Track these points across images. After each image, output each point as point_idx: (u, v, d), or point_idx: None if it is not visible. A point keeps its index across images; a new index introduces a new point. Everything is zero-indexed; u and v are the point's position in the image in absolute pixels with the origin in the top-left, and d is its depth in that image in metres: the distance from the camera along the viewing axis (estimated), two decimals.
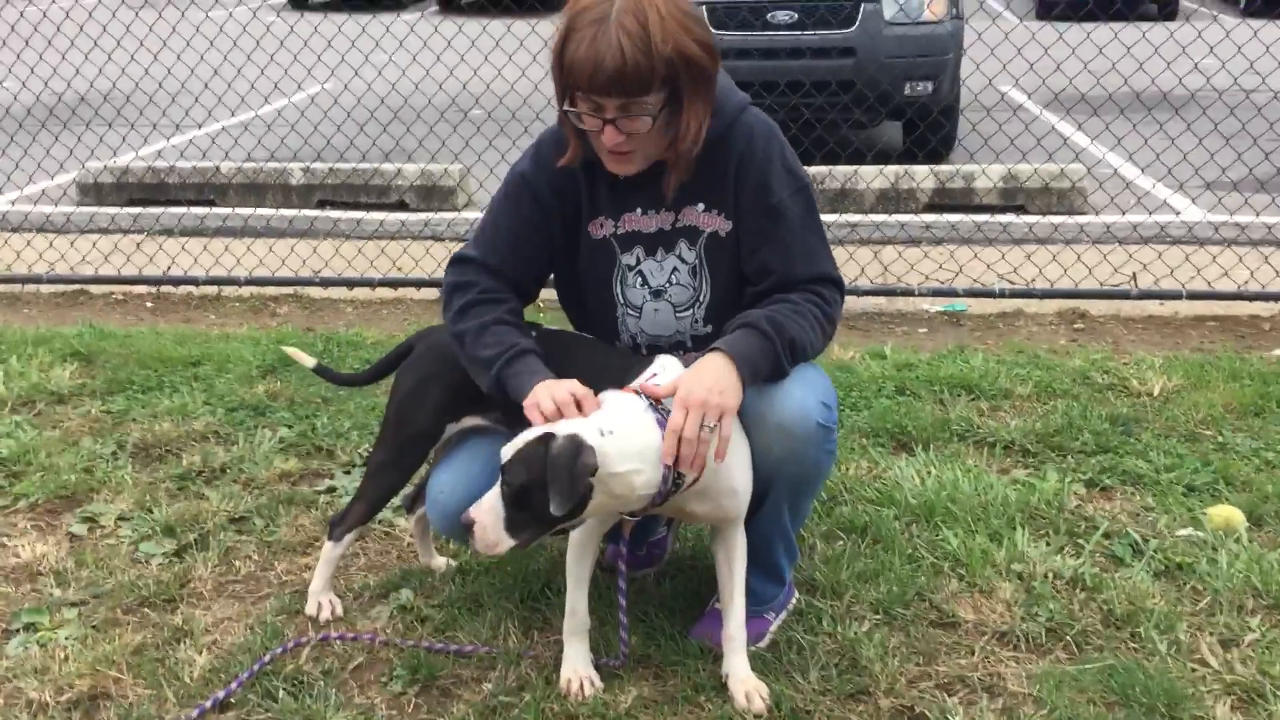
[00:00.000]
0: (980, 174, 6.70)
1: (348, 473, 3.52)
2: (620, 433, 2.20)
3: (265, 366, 4.37)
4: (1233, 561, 2.87)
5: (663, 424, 2.22)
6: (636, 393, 2.28)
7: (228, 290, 5.60)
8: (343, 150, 6.87)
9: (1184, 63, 6.13)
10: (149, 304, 5.50)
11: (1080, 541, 3.03)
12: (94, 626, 2.70)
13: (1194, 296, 5.06)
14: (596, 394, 2.31)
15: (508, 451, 2.22)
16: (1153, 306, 5.19)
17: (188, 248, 5.82)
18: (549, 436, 2.18)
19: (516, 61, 6.33)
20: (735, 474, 2.34)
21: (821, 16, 7.47)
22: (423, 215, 6.83)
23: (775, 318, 2.33)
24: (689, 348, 2.57)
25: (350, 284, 5.52)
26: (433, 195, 7.23)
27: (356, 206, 7.13)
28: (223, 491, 3.35)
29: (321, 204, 7.23)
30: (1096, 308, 5.20)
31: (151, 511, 3.23)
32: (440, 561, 2.99)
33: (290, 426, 3.83)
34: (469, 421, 2.63)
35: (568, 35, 2.29)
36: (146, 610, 2.77)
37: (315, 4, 19.79)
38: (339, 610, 2.76)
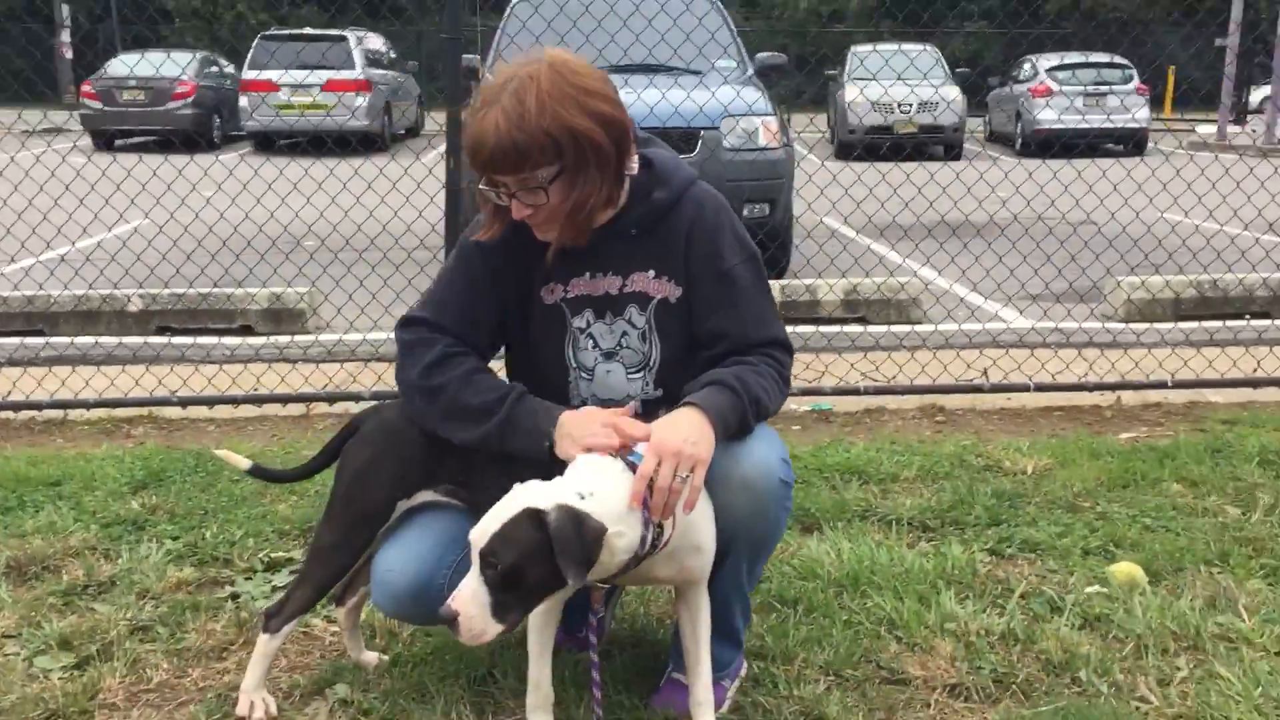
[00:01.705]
0: (826, 288, 7.02)
1: (249, 578, 3.35)
2: (600, 494, 2.18)
3: (136, 482, 4.14)
4: (1146, 611, 3.02)
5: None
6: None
7: (74, 414, 5.29)
8: (167, 279, 6.63)
9: (982, 191, 6.65)
10: None
11: (1000, 602, 3.13)
12: None
13: (1041, 389, 5.39)
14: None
15: (482, 535, 2.14)
16: (1002, 400, 5.49)
17: (22, 380, 5.47)
18: (536, 512, 2.13)
19: (340, 203, 6.28)
20: (702, 532, 2.35)
21: (668, 140, 7.76)
22: (273, 339, 6.64)
23: (741, 376, 2.38)
24: (639, 413, 2.58)
25: (210, 402, 5.30)
26: (281, 319, 7.08)
27: (200, 332, 6.90)
28: (116, 604, 3.13)
29: (161, 330, 6.97)
30: (953, 402, 5.46)
31: (41, 627, 2.98)
32: (371, 656, 2.85)
33: (176, 538, 3.62)
34: (421, 498, 2.56)
35: (472, 116, 2.35)
36: None
37: (122, 146, 19.38)
38: (274, 709, 2.60)
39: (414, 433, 2.53)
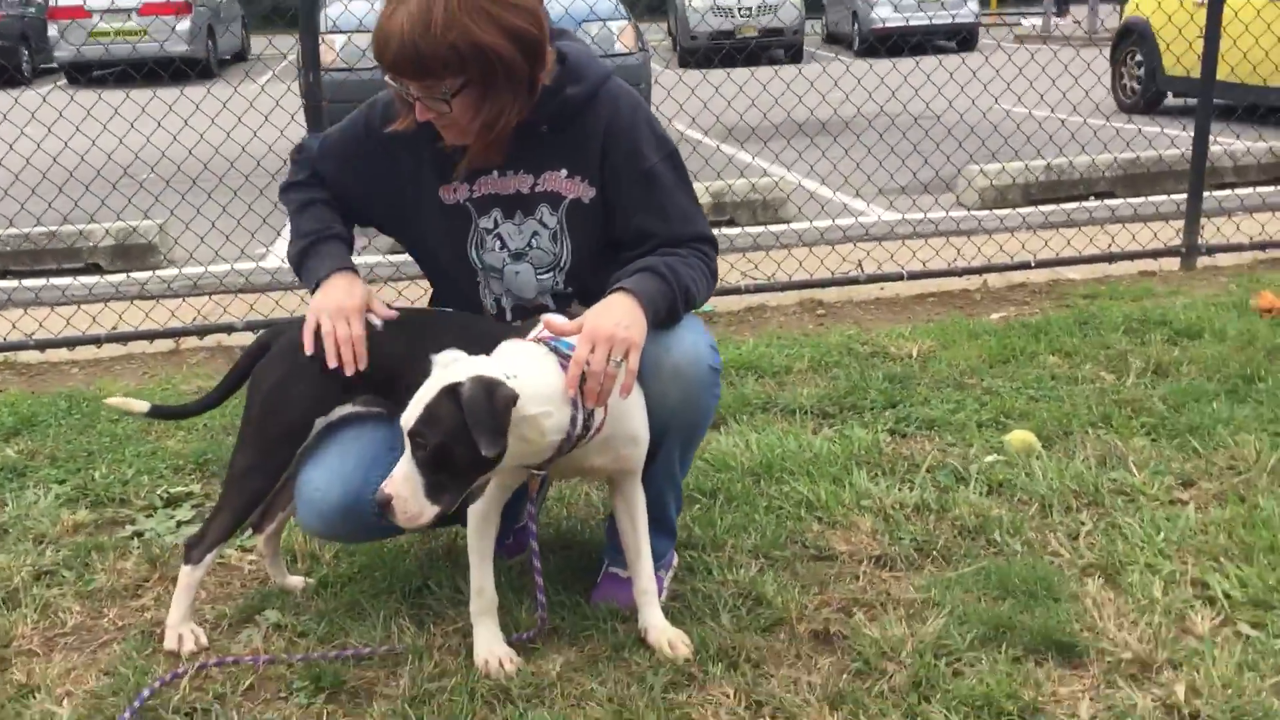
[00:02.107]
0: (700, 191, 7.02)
1: (149, 516, 3.22)
2: (524, 375, 2.15)
3: (6, 429, 3.92)
4: (1045, 473, 3.17)
5: (565, 367, 2.20)
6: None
7: None
8: (38, 216, 6.23)
9: (826, 90, 6.72)
10: None
11: (908, 477, 3.24)
12: None
13: (913, 276, 5.54)
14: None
15: (410, 416, 2.12)
16: (876, 290, 5.63)
17: None
18: (454, 386, 2.11)
19: (172, 131, 5.97)
20: (635, 421, 2.35)
21: None
22: (113, 277, 6.27)
23: (671, 264, 2.37)
24: (551, 308, 2.55)
25: (71, 343, 5.03)
26: (130, 254, 6.74)
27: (47, 273, 6.52)
28: (12, 551, 2.98)
29: (2, 274, 6.57)
30: (830, 295, 5.58)
31: None
32: (296, 580, 2.79)
33: (62, 482, 3.45)
34: (338, 412, 2.49)
35: (384, 7, 2.27)
36: None
37: None
38: (204, 640, 2.52)
39: (324, 347, 2.46)
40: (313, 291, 2.48)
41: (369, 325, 2.46)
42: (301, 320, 2.55)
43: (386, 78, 2.30)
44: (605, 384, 2.19)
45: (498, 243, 2.53)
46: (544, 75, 2.35)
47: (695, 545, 2.85)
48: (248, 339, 5.11)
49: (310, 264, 2.51)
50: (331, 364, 2.41)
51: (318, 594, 2.72)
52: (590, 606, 2.58)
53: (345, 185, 2.58)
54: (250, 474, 2.48)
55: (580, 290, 2.54)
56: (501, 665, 2.35)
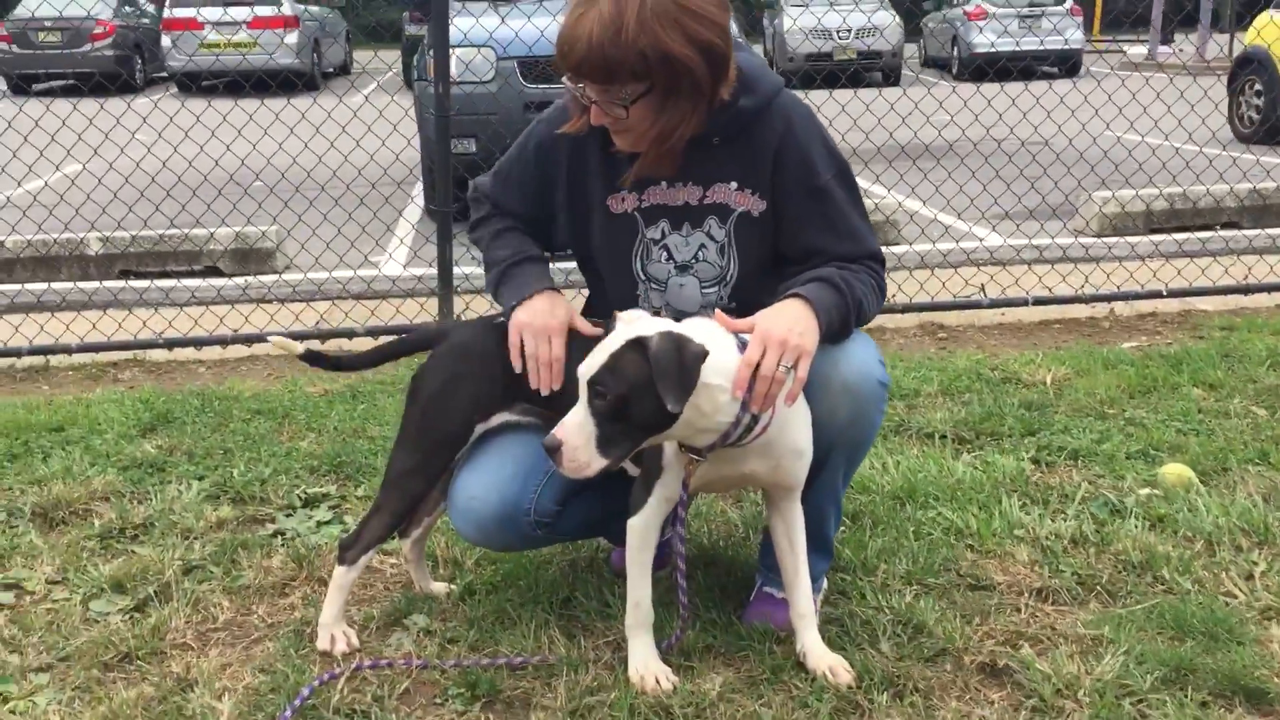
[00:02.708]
0: None
1: (289, 515, 3.24)
2: (709, 345, 2.10)
3: (144, 424, 3.98)
4: (1208, 510, 3.04)
5: (741, 352, 2.15)
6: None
7: (56, 360, 5.08)
8: (145, 219, 6.35)
9: (928, 114, 6.59)
10: None
11: (1061, 508, 3.13)
12: (75, 689, 2.34)
13: (1039, 302, 5.41)
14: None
15: (592, 365, 2.09)
16: (999, 315, 5.51)
17: None
18: (641, 340, 2.07)
19: (281, 142, 6.06)
20: (801, 433, 2.29)
21: None
22: (239, 280, 6.40)
23: (846, 277, 2.31)
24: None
25: (199, 343, 5.12)
26: (249, 259, 6.85)
27: (163, 276, 6.65)
28: (160, 545, 3.01)
29: (124, 274, 6.71)
30: (951, 319, 5.47)
31: (88, 571, 2.85)
32: (440, 586, 2.77)
33: (201, 479, 3.49)
34: (498, 419, 2.47)
35: (569, 10, 2.24)
36: (133, 666, 2.43)
37: (37, 90, 18.65)
38: (355, 641, 2.51)
39: (489, 353, 2.44)
40: (511, 311, 2.44)
41: None
42: (468, 324, 2.55)
43: (566, 79, 2.28)
44: (773, 389, 2.13)
45: (664, 254, 2.49)
46: (725, 89, 2.31)
47: (846, 568, 2.78)
48: (368, 344, 5.16)
49: (508, 286, 2.47)
50: (533, 385, 2.39)
51: (463, 601, 2.70)
52: (743, 626, 2.52)
53: (528, 209, 2.57)
54: (409, 476, 2.47)
55: (743, 306, 2.48)
56: (658, 682, 2.30)
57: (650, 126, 2.28)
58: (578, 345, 2.37)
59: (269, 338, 2.68)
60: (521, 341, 2.39)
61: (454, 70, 7.55)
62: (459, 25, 7.53)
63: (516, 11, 7.64)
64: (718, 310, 2.25)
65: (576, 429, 2.08)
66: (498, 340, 2.44)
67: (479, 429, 2.47)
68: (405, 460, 2.47)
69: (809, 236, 2.42)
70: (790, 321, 2.18)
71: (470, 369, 2.44)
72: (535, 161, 2.52)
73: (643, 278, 2.52)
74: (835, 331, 2.28)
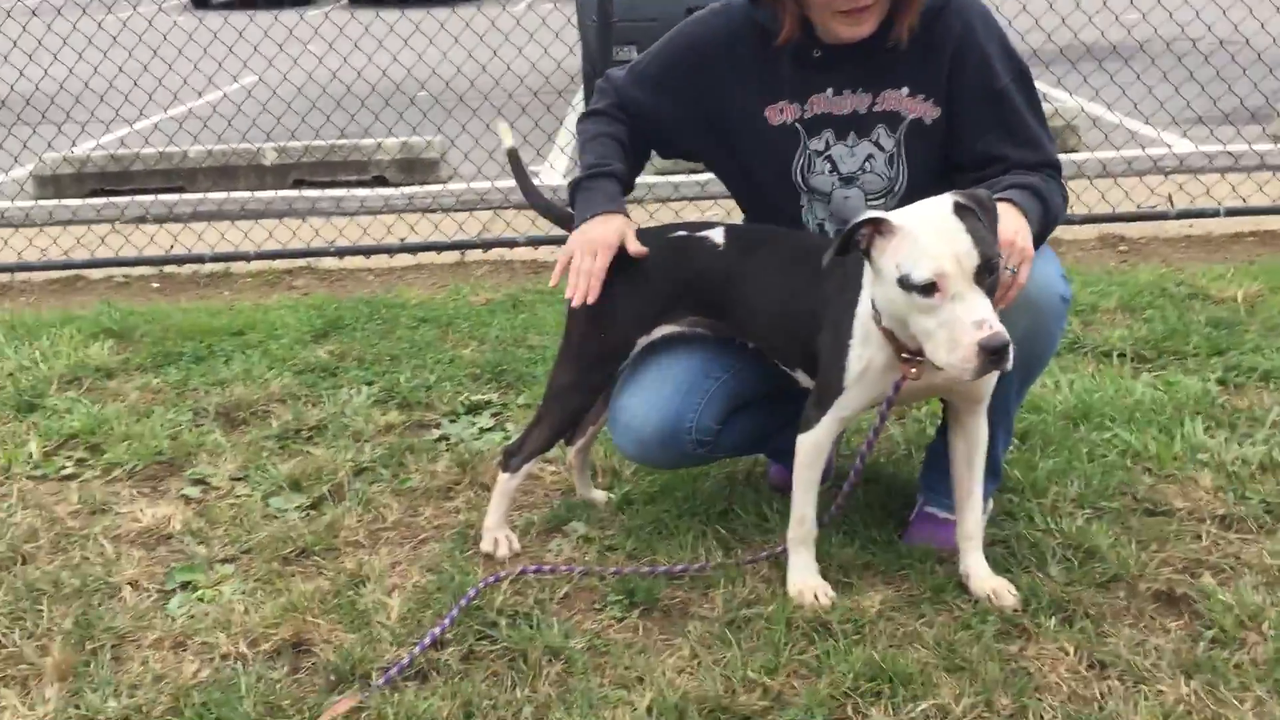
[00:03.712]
0: None
1: (453, 421, 3.31)
2: None
3: (316, 330, 4.12)
4: None
5: None
6: None
7: (236, 266, 5.30)
8: (317, 129, 6.51)
9: (1117, 6, 6.16)
10: (155, 285, 5.17)
11: (1249, 432, 2.96)
12: (257, 580, 2.46)
13: (1231, 213, 5.08)
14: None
15: (969, 252, 1.91)
16: (1185, 227, 5.20)
17: (159, 236, 5.45)
18: (959, 204, 1.97)
19: (438, 46, 6.06)
20: None
21: None
22: (406, 190, 6.53)
23: (1039, 186, 2.21)
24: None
25: (367, 251, 5.26)
26: (414, 169, 6.98)
27: (333, 185, 6.83)
28: (333, 446, 3.12)
29: (297, 184, 6.93)
30: (1134, 230, 5.20)
31: (267, 469, 2.98)
32: (600, 495, 2.80)
33: (370, 384, 3.60)
34: (660, 331, 2.45)
35: None
36: (310, 560, 2.54)
37: (217, 4, 19.23)
38: (516, 546, 2.56)
39: (650, 267, 2.41)
40: (576, 226, 2.42)
41: (701, 241, 2.40)
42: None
43: None
44: (1010, 291, 2.06)
45: (828, 165, 2.41)
46: None
47: (1014, 489, 2.69)
48: (529, 254, 5.21)
49: (580, 198, 2.45)
50: (567, 294, 2.36)
51: (622, 510, 2.72)
52: (904, 545, 2.47)
53: (659, 112, 2.49)
54: (570, 390, 2.48)
55: None
56: (817, 598, 2.28)
57: None
58: (719, 246, 2.38)
59: (494, 125, 2.84)
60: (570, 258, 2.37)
61: None
62: None
63: None
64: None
65: (998, 318, 1.93)
66: (657, 249, 2.41)
67: (640, 343, 2.45)
68: (566, 375, 2.48)
69: (987, 142, 2.31)
70: (1015, 224, 2.09)
71: (629, 283, 2.41)
72: (683, 61, 2.45)
73: (804, 188, 2.44)
74: (1036, 240, 2.17)
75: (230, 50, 5.91)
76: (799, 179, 2.43)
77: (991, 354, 1.89)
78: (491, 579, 2.37)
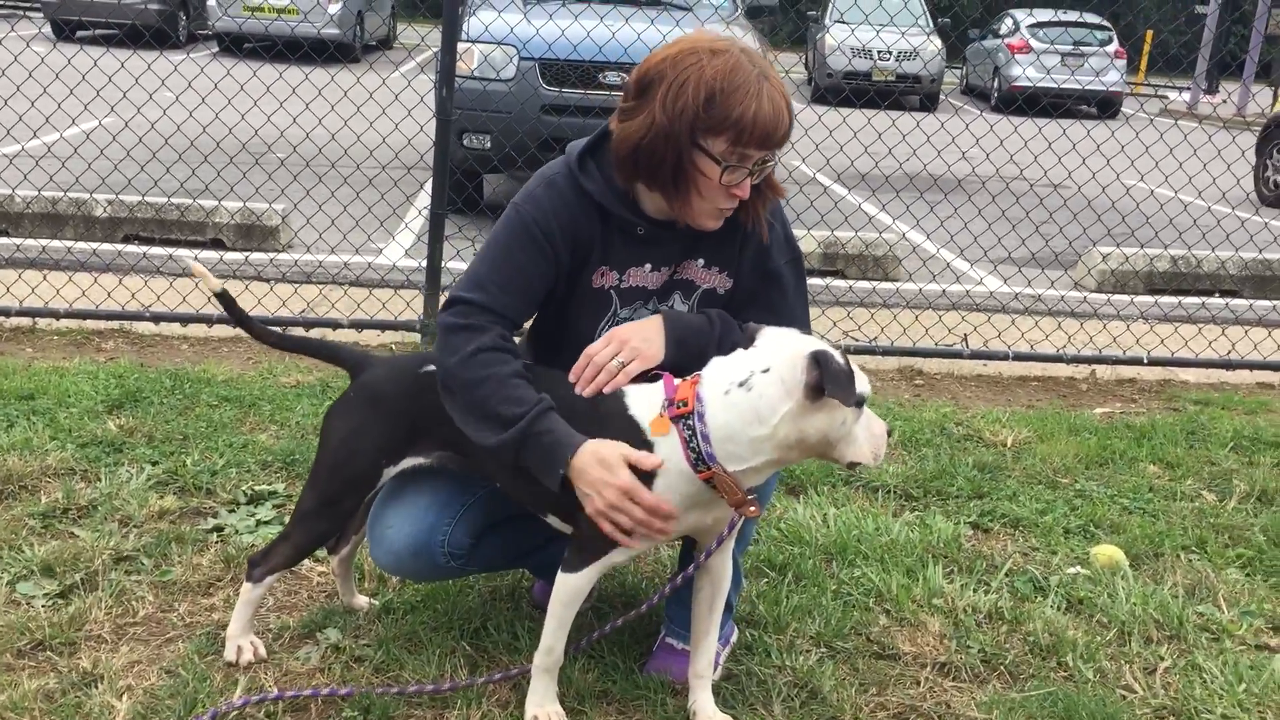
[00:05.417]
0: (804, 239, 6.98)
1: (232, 511, 3.30)
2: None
3: (111, 401, 4.05)
4: (1129, 597, 3.06)
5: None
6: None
7: (44, 322, 5.17)
8: (131, 179, 6.42)
9: (953, 151, 6.59)
10: None
11: (985, 579, 3.16)
12: None
13: (1019, 358, 5.42)
14: None
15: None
16: (980, 367, 5.52)
17: None
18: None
19: (314, 111, 6.11)
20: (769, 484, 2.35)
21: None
22: (242, 254, 6.47)
23: (729, 320, 2.41)
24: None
25: (184, 320, 5.19)
26: (253, 234, 6.93)
27: (169, 243, 6.73)
28: (97, 530, 3.07)
29: (129, 239, 6.80)
30: (931, 366, 5.49)
31: (22, 550, 2.92)
32: (362, 601, 2.83)
33: (155, 464, 3.56)
34: (408, 463, 2.47)
35: (729, 93, 2.20)
36: (44, 654, 2.50)
37: (83, 37, 18.77)
38: (262, 652, 2.56)
39: (400, 398, 2.43)
40: (564, 471, 2.22)
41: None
42: (381, 363, 2.52)
43: (734, 162, 2.24)
44: (601, 377, 2.30)
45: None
46: None
47: (758, 624, 2.82)
48: (352, 335, 5.22)
49: (542, 446, 2.23)
50: (633, 543, 2.25)
51: (380, 619, 2.75)
52: (642, 676, 2.56)
53: (526, 299, 2.39)
54: (315, 515, 2.48)
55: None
56: None
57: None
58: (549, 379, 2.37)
59: (189, 263, 2.66)
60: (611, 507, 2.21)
61: (474, 64, 7.61)
62: (481, 18, 7.60)
63: (540, 11, 7.69)
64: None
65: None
66: (407, 385, 2.43)
67: (388, 472, 2.48)
68: (313, 499, 2.48)
69: (751, 314, 2.45)
70: (643, 331, 2.36)
71: (378, 414, 2.44)
72: (536, 250, 2.36)
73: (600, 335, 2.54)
74: (690, 355, 2.34)
75: (71, 91, 5.79)
76: (600, 331, 2.51)
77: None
78: (240, 702, 2.35)
